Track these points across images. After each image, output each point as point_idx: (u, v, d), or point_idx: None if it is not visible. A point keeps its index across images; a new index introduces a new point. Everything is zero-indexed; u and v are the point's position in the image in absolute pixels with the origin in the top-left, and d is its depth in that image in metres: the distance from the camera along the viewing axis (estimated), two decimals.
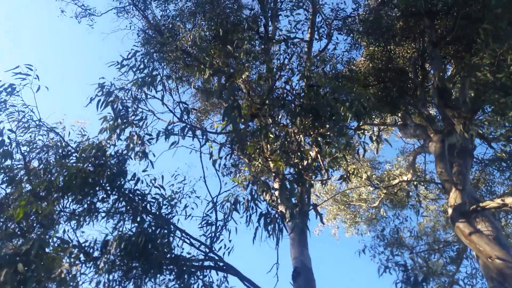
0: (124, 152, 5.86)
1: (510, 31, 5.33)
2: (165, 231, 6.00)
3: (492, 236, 7.99)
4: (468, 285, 12.46)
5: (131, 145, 5.77)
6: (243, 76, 6.87)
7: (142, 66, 5.81)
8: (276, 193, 6.28)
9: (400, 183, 13.01)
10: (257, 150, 6.26)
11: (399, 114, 12.51)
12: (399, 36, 10.80)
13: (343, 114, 5.25)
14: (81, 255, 5.65)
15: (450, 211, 8.24)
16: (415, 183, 12.27)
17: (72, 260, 5.42)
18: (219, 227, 6.96)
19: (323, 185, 8.00)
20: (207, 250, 6.99)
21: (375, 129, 10.36)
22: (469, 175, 9.10)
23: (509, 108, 6.03)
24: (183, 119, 5.56)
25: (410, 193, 12.86)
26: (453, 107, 7.88)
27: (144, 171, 6.09)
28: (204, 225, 7.15)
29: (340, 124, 5.25)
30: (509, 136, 8.38)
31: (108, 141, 5.97)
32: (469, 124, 7.36)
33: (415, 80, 10.47)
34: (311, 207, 7.50)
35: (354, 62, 11.53)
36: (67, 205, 6.19)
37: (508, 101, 5.87)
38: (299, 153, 5.75)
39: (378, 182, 13.27)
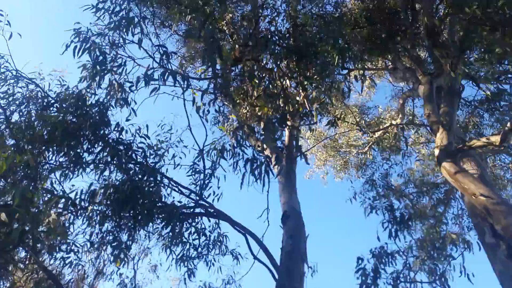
0: (105, 101, 5.72)
1: None
2: (152, 179, 6.00)
3: (477, 175, 8.13)
4: (455, 224, 12.88)
5: (112, 93, 5.61)
6: (227, 18, 6.62)
7: (117, 8, 5.54)
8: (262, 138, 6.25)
9: (389, 127, 13.05)
10: (241, 95, 6.14)
11: (389, 57, 12.31)
12: None
13: (327, 54, 5.10)
14: (69, 206, 5.65)
15: (436, 152, 8.31)
16: (402, 126, 12.29)
17: (59, 210, 5.42)
18: (207, 175, 7.00)
19: (311, 131, 7.97)
20: (197, 198, 7.07)
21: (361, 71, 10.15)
22: (456, 115, 9.11)
23: (496, 44, 5.90)
24: (163, 64, 5.38)
25: (400, 137, 12.93)
26: (442, 46, 7.72)
27: (127, 120, 5.99)
28: (192, 173, 7.19)
29: (324, 65, 5.10)
30: (495, 74, 8.30)
31: (89, 90, 5.81)
32: (457, 63, 7.24)
33: (405, 21, 10.19)
34: (298, 153, 7.54)
35: (344, 3, 11.14)
36: (52, 157, 6.14)
37: (496, 37, 5.73)
38: (283, 96, 5.64)
39: (366, 127, 13.28)
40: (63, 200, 5.42)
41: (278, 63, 5.52)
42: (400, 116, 13.18)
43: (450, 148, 8.10)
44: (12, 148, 5.76)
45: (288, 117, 5.84)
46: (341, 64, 5.03)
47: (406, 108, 13.70)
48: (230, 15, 6.47)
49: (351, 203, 11.79)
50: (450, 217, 12.98)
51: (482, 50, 7.33)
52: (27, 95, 6.37)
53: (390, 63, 12.59)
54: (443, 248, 8.38)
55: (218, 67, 5.80)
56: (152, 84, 5.46)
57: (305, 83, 5.56)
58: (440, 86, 9.65)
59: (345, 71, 5.54)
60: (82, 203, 5.80)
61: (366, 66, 12.15)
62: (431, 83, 9.75)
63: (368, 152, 12.97)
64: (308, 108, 6.63)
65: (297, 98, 6.93)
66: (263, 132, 5.33)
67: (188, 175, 7.14)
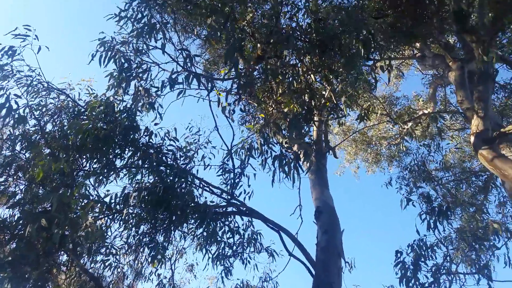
0: (132, 106, 5.86)
1: None
2: (183, 180, 6.10)
3: None
4: (498, 212, 12.41)
5: (138, 98, 5.74)
6: (247, 18, 6.63)
7: (139, 15, 5.65)
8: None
9: (421, 117, 12.70)
10: (266, 93, 6.14)
11: (417, 45, 11.99)
12: None
13: (351, 46, 5.01)
14: (105, 210, 5.84)
15: (472, 139, 8.04)
16: (434, 115, 11.94)
17: (96, 214, 5.61)
18: (237, 174, 7.05)
19: (340, 125, 7.87)
20: (229, 197, 7.13)
21: (387, 61, 9.88)
22: (491, 100, 8.77)
23: None
24: (187, 67, 5.45)
25: (433, 126, 12.55)
26: (471, 31, 7.44)
27: (155, 124, 6.12)
28: (223, 173, 7.25)
29: (349, 57, 5.01)
30: None
31: (116, 97, 5.97)
32: (489, 47, 6.96)
33: (431, 6, 9.88)
34: (327, 148, 7.46)
35: None
36: (86, 164, 6.34)
37: None
38: (309, 92, 5.59)
39: (396, 118, 12.97)
40: (99, 204, 5.61)
41: (302, 58, 5.49)
42: (431, 104, 12.81)
43: (486, 135, 7.82)
44: (48, 157, 6.01)
45: (314, 112, 5.79)
46: (366, 56, 4.93)
47: (437, 95, 13.32)
48: (251, 14, 6.48)
49: (386, 188, 11.53)
50: (493, 206, 12.55)
51: None
52: (59, 105, 6.62)
53: (417, 51, 12.26)
54: (485, 238, 8.11)
55: (241, 66, 5.84)
56: (177, 88, 5.56)
57: (330, 77, 5.49)
58: (472, 71, 9.32)
59: (370, 62, 5.42)
60: (118, 207, 5.97)
61: (392, 55, 11.89)
62: (462, 69, 9.44)
63: (401, 144, 12.66)
64: (335, 101, 6.55)
65: (323, 92, 6.87)
66: (288, 130, 5.30)
67: (218, 175, 7.22)
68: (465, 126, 13.56)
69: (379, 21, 8.92)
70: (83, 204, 5.23)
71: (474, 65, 8.81)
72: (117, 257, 7.51)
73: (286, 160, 5.63)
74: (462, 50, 10.04)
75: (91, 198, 5.57)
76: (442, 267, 7.83)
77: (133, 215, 6.52)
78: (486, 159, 7.58)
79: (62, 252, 6.68)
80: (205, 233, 7.00)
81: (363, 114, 7.87)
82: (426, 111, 12.77)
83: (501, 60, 9.81)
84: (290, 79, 5.51)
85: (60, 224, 4.40)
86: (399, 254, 7.76)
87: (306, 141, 6.17)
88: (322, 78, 5.82)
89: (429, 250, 7.98)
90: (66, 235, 5.03)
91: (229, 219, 7.27)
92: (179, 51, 5.54)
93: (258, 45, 6.14)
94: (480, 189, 13.05)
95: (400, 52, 12.42)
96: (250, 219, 7.57)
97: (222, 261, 7.46)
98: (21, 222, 4.91)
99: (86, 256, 6.88)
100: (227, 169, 7.15)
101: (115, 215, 6.08)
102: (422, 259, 7.75)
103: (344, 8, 8.79)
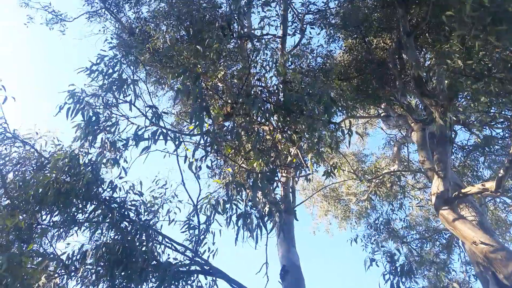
0: (97, 160, 5.77)
1: (475, 17, 5.35)
2: (144, 237, 5.93)
3: (476, 222, 8.04)
4: (462, 271, 12.56)
5: (104, 152, 5.68)
6: (219, 76, 6.81)
7: (110, 70, 5.71)
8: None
9: (386, 175, 13.04)
10: (233, 150, 6.21)
11: (382, 106, 12.56)
12: (376, 27, 10.81)
13: (313, 108, 5.22)
14: (60, 268, 5.56)
15: (433, 199, 8.28)
16: (398, 174, 12.31)
17: (50, 273, 5.32)
18: (202, 230, 6.91)
19: (308, 181, 8.00)
20: (193, 255, 6.94)
21: (347, 122, 10.31)
22: (450, 162, 9.15)
23: (481, 93, 6.06)
24: (155, 122, 5.48)
25: (396, 184, 12.90)
26: (430, 96, 7.90)
27: (120, 178, 6.01)
28: (187, 229, 7.09)
29: (311, 119, 5.21)
30: (483, 121, 8.45)
31: (82, 149, 5.88)
32: (446, 111, 7.39)
33: (394, 70, 10.51)
34: (296, 205, 7.50)
35: (333, 55, 11.53)
36: (46, 217, 6.10)
37: (480, 87, 5.90)
38: (274, 150, 5.70)
39: (365, 175, 13.28)
40: (54, 262, 5.34)
41: (268, 117, 5.65)
42: (396, 162, 13.22)
43: (446, 195, 8.08)
44: (7, 208, 5.77)
45: (279, 171, 5.87)
46: (328, 120, 5.15)
47: (401, 154, 13.79)
48: (222, 72, 6.68)
49: (351, 245, 11.62)
50: (457, 264, 12.76)
51: (469, 98, 7.53)
52: (23, 155, 6.47)
53: (382, 111, 12.82)
54: None
55: (210, 122, 5.92)
56: (142, 144, 5.53)
57: (294, 137, 5.65)
58: (433, 132, 9.77)
59: (332, 126, 5.66)
60: (75, 264, 5.70)
61: (358, 114, 12.38)
62: (423, 130, 9.89)
63: (366, 202, 12.91)
64: (302, 159, 6.68)
65: (291, 149, 7.00)
66: (251, 190, 5.32)
67: (183, 231, 7.06)
68: (428, 184, 14.00)
69: (345, 84, 9.36)
70: (37, 262, 4.97)
71: (434, 127, 9.27)
72: None
73: (250, 218, 5.60)
74: (424, 111, 10.58)
75: (46, 255, 5.31)
76: None
77: (92, 271, 6.23)
78: (447, 220, 7.79)
79: None
80: None
81: (329, 170, 8.02)
82: (391, 169, 13.15)
83: (459, 123, 10.37)
84: (256, 138, 5.63)
85: (9, 285, 4.15)
86: None
87: (273, 198, 6.19)
88: (286, 139, 5.98)
89: None
90: None
91: (192, 278, 7.03)
92: (148, 107, 5.60)
93: (229, 101, 6.29)
94: (444, 247, 13.28)
95: (366, 111, 12.96)
96: (214, 279, 7.35)
97: None
98: None
99: None
100: (192, 225, 7.01)
101: (72, 273, 5.79)
102: None
103: (312, 70, 9.25)
